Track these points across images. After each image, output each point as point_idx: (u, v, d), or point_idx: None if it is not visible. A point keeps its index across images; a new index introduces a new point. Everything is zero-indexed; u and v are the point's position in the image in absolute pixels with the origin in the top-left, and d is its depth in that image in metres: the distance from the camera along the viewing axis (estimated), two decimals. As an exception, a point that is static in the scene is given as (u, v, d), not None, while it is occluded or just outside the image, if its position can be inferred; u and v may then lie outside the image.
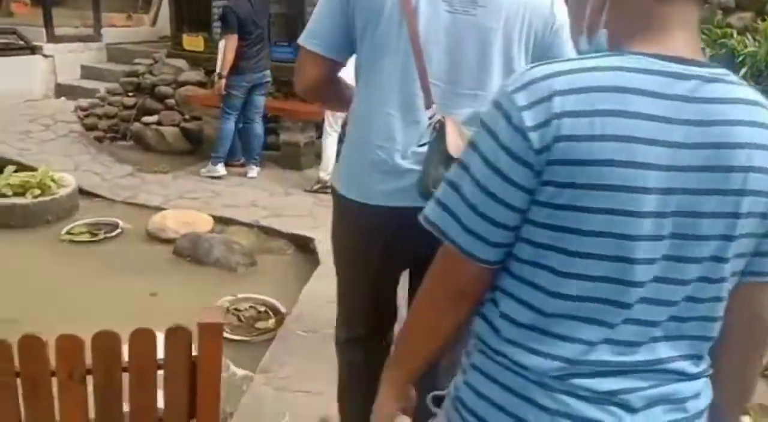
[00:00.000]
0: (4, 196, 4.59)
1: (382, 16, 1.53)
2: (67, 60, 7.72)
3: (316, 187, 5.47)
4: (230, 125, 5.81)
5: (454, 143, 1.44)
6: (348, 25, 1.59)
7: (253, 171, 5.91)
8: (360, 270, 1.78)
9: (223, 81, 5.61)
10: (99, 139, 6.94)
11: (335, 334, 1.95)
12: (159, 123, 7.00)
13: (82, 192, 5.15)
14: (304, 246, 4.32)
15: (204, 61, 7.30)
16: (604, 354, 0.89)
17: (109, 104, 7.27)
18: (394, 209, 1.56)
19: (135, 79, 7.32)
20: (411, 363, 1.06)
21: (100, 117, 7.16)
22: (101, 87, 7.44)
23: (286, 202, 5.21)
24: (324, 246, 4.01)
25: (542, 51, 1.58)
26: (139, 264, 4.06)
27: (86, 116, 7.03)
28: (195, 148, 6.82)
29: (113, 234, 4.50)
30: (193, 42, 7.42)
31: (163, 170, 6.09)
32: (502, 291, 0.94)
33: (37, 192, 4.66)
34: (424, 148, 1.53)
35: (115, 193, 5.32)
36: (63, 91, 7.61)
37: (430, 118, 1.52)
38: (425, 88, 1.53)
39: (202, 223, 4.60)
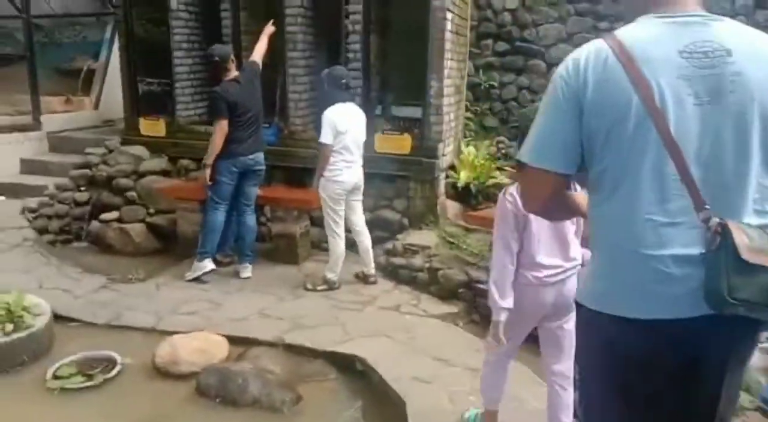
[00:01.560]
0: (-35, 336, 3.75)
1: (628, 119, 1.47)
2: (4, 153, 6.82)
3: (321, 288, 4.93)
4: (219, 216, 5.18)
5: (745, 246, 1.41)
6: (582, 133, 1.52)
7: (247, 270, 5.28)
8: (632, 399, 1.59)
9: (209, 170, 5.02)
10: (52, 243, 6.07)
11: None
12: (120, 220, 6.24)
13: (56, 317, 4.33)
14: (348, 367, 3.73)
15: (167, 147, 6.66)
16: None
17: (59, 202, 6.42)
18: (671, 321, 1.48)
19: (87, 172, 6.55)
20: None
21: (50, 217, 6.29)
22: (46, 182, 6.59)
23: (300, 307, 4.59)
24: (392, 372, 3.48)
25: None
26: (159, 415, 3.34)
27: (36, 218, 6.14)
28: (166, 246, 6.10)
29: (113, 373, 3.72)
30: (153, 126, 6.77)
31: (139, 277, 5.33)
32: None
33: (10, 327, 3.84)
34: (692, 251, 1.46)
35: (93, 313, 4.51)
36: (1, 189, 6.67)
37: (705, 222, 1.45)
38: (692, 189, 1.46)
39: (218, 348, 3.91)
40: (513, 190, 2.52)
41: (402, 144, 5.50)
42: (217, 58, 4.99)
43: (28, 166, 6.96)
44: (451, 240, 5.29)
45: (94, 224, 6.24)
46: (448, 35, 5.31)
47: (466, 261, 4.83)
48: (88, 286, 5.01)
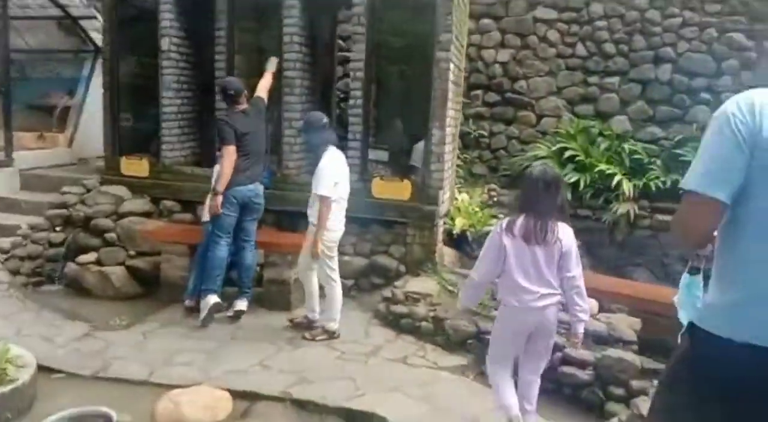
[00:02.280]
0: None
1: None
2: (-27, 190, 6.45)
3: (320, 338, 4.74)
4: (221, 251, 5.00)
5: None
6: (746, 164, 1.55)
7: (244, 304, 5.10)
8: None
9: (220, 198, 4.86)
10: (24, 285, 5.71)
11: None
12: (98, 262, 5.92)
13: (38, 367, 3.99)
14: (364, 425, 3.54)
15: (149, 188, 6.42)
16: None
17: (33, 242, 6.08)
18: None
19: (64, 211, 6.25)
20: None
21: (22, 258, 5.94)
22: (19, 221, 6.24)
23: (301, 358, 4.39)
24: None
25: None
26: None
27: (7, 259, 5.78)
28: (148, 291, 5.80)
29: (110, 432, 3.43)
30: (135, 166, 6.53)
31: (123, 324, 5.03)
32: None
33: (-6, 382, 3.52)
34: None
35: (79, 364, 4.20)
36: (-33, 228, 6.28)
37: None
38: None
39: (221, 404, 3.66)
40: (503, 221, 3.20)
41: (402, 190, 5.44)
42: (232, 91, 4.96)
43: (0, 204, 6.59)
44: (451, 288, 5.20)
45: (71, 266, 5.92)
46: (450, 85, 5.34)
47: (471, 310, 4.73)
48: (70, 334, 4.69)
